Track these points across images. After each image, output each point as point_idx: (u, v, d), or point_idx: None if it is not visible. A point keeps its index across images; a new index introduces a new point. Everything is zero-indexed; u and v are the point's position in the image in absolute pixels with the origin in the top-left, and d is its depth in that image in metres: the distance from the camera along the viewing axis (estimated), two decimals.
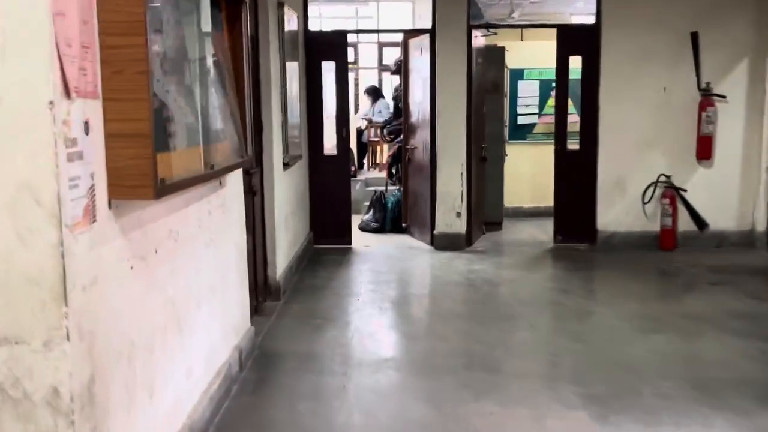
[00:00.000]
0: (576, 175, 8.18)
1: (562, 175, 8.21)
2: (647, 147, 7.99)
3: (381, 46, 15.23)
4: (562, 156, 8.20)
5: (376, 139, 12.50)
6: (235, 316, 4.40)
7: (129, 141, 2.38)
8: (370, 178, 11.41)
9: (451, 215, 8.12)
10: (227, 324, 4.18)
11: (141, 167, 2.37)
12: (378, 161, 12.61)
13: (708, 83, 7.78)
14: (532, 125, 10.39)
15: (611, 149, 8.01)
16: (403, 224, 9.15)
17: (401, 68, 9.34)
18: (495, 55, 9.15)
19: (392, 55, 15.23)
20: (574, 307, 5.73)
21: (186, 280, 3.35)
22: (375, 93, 13.01)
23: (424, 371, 4.42)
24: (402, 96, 9.09)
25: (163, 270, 3.02)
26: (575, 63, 8.15)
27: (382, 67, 15.22)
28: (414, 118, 8.80)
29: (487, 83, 9.00)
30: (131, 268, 2.67)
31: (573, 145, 8.32)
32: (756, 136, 7.85)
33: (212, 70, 3.45)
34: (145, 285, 2.84)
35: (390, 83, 14.48)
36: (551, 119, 10.09)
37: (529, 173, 10.39)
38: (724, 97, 7.78)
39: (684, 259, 7.43)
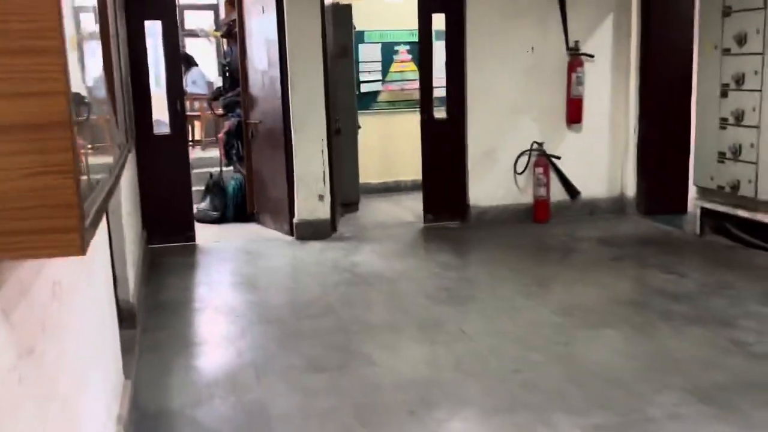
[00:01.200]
0: (444, 147, 7.46)
1: (429, 147, 7.44)
2: (518, 113, 7.44)
3: (182, 9, 13.57)
4: (428, 126, 7.43)
5: (193, 114, 10.99)
6: (111, 371, 3.10)
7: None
8: (197, 158, 9.94)
9: (313, 200, 7.06)
10: (108, 389, 2.88)
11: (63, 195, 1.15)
12: (197, 138, 11.13)
13: (576, 42, 7.35)
14: (377, 93, 9.53)
15: (480, 117, 7.37)
16: (250, 211, 7.94)
17: (233, 30, 8.04)
18: (342, 14, 8.12)
19: (198, 20, 13.63)
20: (496, 303, 4.98)
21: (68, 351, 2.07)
22: (187, 61, 11.43)
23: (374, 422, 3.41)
24: (238, 63, 7.80)
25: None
26: (438, 23, 7.37)
27: (187, 33, 13.56)
28: (256, 88, 7.58)
29: (337, 46, 7.97)
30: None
31: (440, 113, 7.57)
32: (622, 97, 7.58)
33: None
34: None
35: (201, 51, 12.94)
36: (397, 87, 9.33)
37: (377, 146, 9.55)
38: (591, 56, 7.40)
39: (566, 232, 7.00)
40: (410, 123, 9.25)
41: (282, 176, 7.23)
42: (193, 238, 7.01)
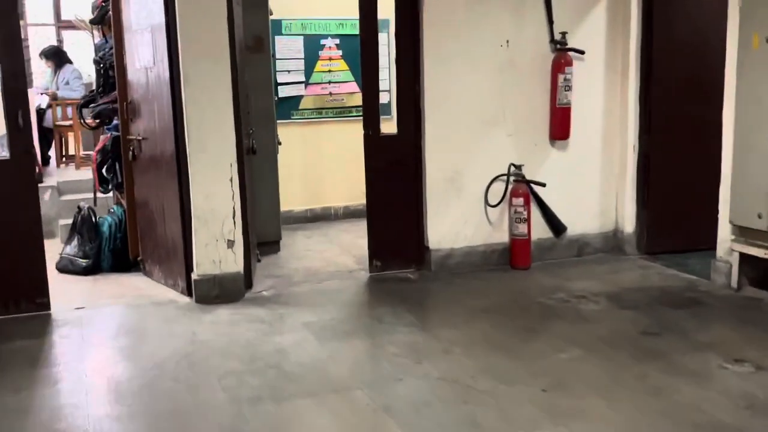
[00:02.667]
0: (395, 172, 5.64)
1: (375, 172, 5.60)
2: (490, 126, 5.69)
3: None
4: (374, 145, 5.58)
5: (66, 123, 8.77)
6: None
7: None
8: (66, 181, 7.75)
9: (218, 246, 5.11)
10: None
11: None
12: (71, 153, 8.92)
13: (563, 34, 5.66)
14: (298, 98, 7.61)
15: (442, 131, 5.58)
16: (134, 257, 5.90)
17: (107, 16, 5.98)
18: None
19: (75, 7, 11.27)
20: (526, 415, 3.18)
21: None
22: (58, 56, 9.23)
23: None
24: (114, 58, 5.74)
25: None
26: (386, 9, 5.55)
27: (62, 24, 11.25)
28: (138, 91, 5.56)
29: (250, 38, 6.03)
30: None
31: (389, 127, 5.76)
32: (618, 105, 5.95)
33: None
34: None
35: (79, 46, 10.67)
36: (323, 90, 7.46)
37: (300, 165, 7.65)
38: (582, 52, 5.73)
39: (557, 284, 5.30)
40: (340, 135, 7.46)
41: (174, 213, 5.24)
42: (46, 306, 4.92)
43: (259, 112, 6.10)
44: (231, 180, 5.11)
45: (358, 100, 7.43)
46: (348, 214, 7.85)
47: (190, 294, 5.16)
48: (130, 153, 5.68)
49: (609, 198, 6.04)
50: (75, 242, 5.97)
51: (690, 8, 5.73)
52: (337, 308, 4.92)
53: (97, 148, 6.16)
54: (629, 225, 6.00)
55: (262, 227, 6.24)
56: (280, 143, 6.48)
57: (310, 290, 5.33)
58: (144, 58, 5.36)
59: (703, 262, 5.63)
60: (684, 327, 4.37)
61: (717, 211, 5.15)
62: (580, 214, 5.97)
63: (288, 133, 7.38)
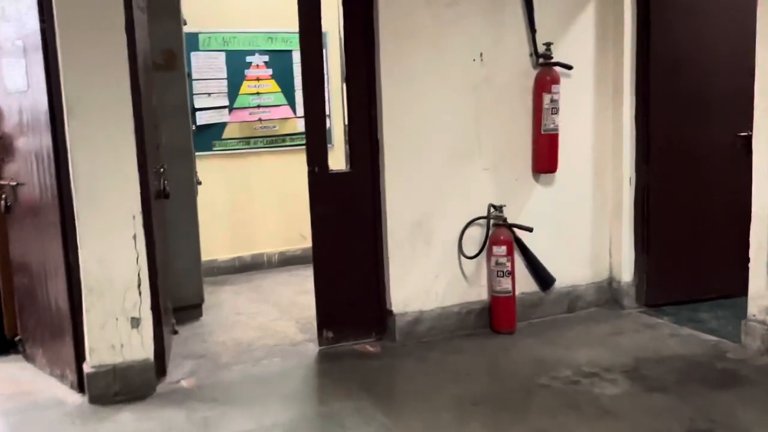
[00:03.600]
0: (348, 218, 4.49)
1: (324, 218, 4.44)
2: (462, 158, 4.63)
3: None
4: (320, 185, 4.42)
5: None
6: None
7: None
8: None
9: (120, 325, 3.84)
10: None
11: None
12: None
13: (548, 45, 4.65)
14: (221, 126, 6.39)
15: (405, 166, 4.48)
16: (11, 335, 4.56)
17: None
18: (165, 2, 4.93)
19: None
20: None
21: None
22: None
23: None
24: None
25: None
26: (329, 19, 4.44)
27: None
28: (10, 123, 4.25)
29: (159, 52, 4.81)
30: None
31: (338, 163, 4.63)
32: (608, 128, 4.98)
33: None
34: None
35: None
36: (249, 115, 6.29)
37: (225, 205, 6.42)
38: (569, 67, 4.73)
39: (554, 354, 4.25)
40: (273, 169, 6.32)
41: (59, 281, 3.95)
42: None
43: (172, 145, 4.87)
44: (134, 237, 3.86)
45: (292, 126, 6.33)
46: (284, 261, 6.65)
47: (82, 390, 3.87)
48: (2, 202, 4.36)
49: (602, 241, 5.05)
50: None
51: (694, 14, 4.82)
52: (281, 405, 3.71)
53: None
54: (626, 273, 5.01)
55: (180, 288, 5.00)
56: (199, 182, 5.24)
57: (243, 377, 4.10)
58: (15, 78, 4.08)
59: (719, 317, 4.73)
60: (739, 418, 3.36)
61: (731, 255, 4.23)
62: (569, 261, 4.96)
63: (210, 168, 6.16)
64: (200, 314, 5.21)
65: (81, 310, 3.83)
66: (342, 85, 6.56)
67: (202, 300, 5.20)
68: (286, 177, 6.45)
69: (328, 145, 5.61)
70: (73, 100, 3.68)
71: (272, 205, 6.55)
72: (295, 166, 6.21)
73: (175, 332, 4.83)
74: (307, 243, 5.99)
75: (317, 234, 4.44)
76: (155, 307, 3.98)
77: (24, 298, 4.41)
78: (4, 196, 4.35)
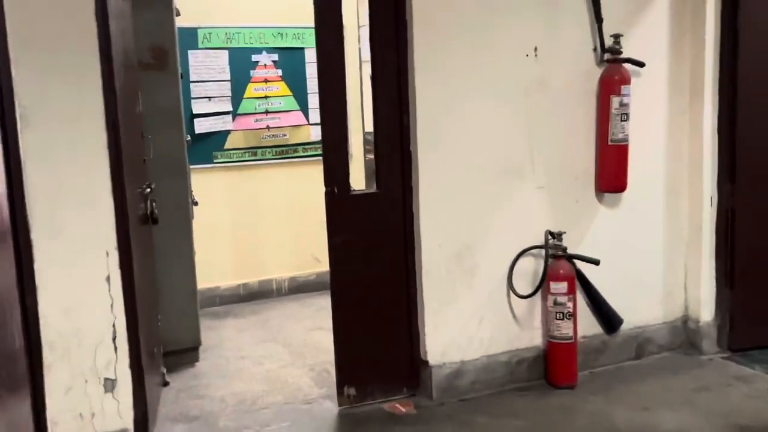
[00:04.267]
0: (374, 249, 3.67)
1: (344, 249, 3.62)
2: (512, 175, 3.80)
3: None
4: (339, 208, 3.60)
5: None
6: None
7: None
8: None
9: (90, 388, 3.06)
10: None
11: None
12: None
13: (617, 37, 3.82)
14: (224, 135, 5.59)
15: (443, 186, 3.66)
16: None
17: None
18: None
19: None
20: None
21: None
22: None
23: None
24: None
25: None
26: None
27: None
28: None
29: (143, 49, 4.02)
30: None
31: (361, 182, 3.82)
32: (685, 139, 4.15)
33: None
34: None
35: None
36: (255, 122, 5.49)
37: (227, 225, 5.63)
38: (641, 64, 3.90)
39: (637, 422, 3.42)
40: (282, 182, 5.53)
41: (13, 330, 3.14)
42: None
43: (162, 159, 4.08)
44: (108, 279, 3.07)
45: (305, 135, 5.55)
46: (296, 288, 5.85)
47: None
48: None
49: (676, 273, 4.21)
50: None
51: None
52: None
53: None
54: (706, 311, 4.17)
55: (172, 329, 4.20)
56: (195, 203, 4.43)
57: None
58: None
59: None
60: None
61: None
62: (637, 297, 4.12)
63: (211, 183, 5.39)
64: (196, 359, 4.40)
65: (40, 371, 3.03)
66: (360, 86, 5.85)
67: (198, 343, 4.39)
68: (298, 192, 5.65)
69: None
70: (27, 106, 2.89)
71: (282, 225, 5.75)
72: (307, 180, 5.45)
73: (166, 384, 4.03)
74: (322, 266, 5.21)
75: (336, 268, 3.63)
76: (136, 365, 3.18)
77: None
78: None
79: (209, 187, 5.35)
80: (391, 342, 3.72)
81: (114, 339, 3.10)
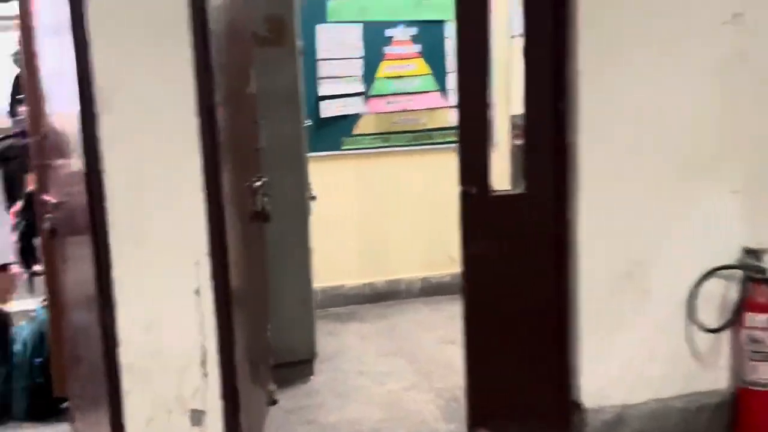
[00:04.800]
0: (518, 262, 2.98)
1: (482, 261, 2.96)
2: (699, 174, 2.99)
3: None
4: (478, 212, 2.95)
5: None
6: None
7: None
8: None
9: (174, 420, 2.59)
10: None
11: None
12: None
13: None
14: (352, 119, 5.06)
15: (610, 187, 2.90)
16: (58, 395, 3.47)
17: None
18: None
19: None
20: None
21: None
22: None
23: None
24: (23, 61, 3.32)
25: None
26: None
27: None
28: (55, 119, 3.11)
29: (259, 22, 3.53)
30: None
31: (500, 175, 3.18)
32: None
33: None
34: None
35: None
36: (387, 105, 4.90)
37: (354, 218, 5.10)
38: None
39: None
40: (417, 173, 4.91)
41: (94, 345, 2.74)
42: None
43: (276, 148, 3.57)
44: (197, 292, 2.58)
45: (443, 119, 4.92)
46: (427, 290, 5.26)
47: None
48: (48, 224, 3.24)
49: None
50: None
51: None
52: None
53: (14, 210, 3.73)
54: None
55: (284, 338, 3.73)
56: (313, 197, 3.91)
57: None
58: (52, 58, 2.91)
59: None
60: None
61: None
62: None
63: (337, 171, 4.89)
64: (311, 372, 3.91)
65: (119, 394, 2.60)
66: (505, 65, 5.12)
67: (313, 355, 3.89)
68: (434, 183, 5.04)
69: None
70: (105, 87, 2.44)
71: (414, 219, 5.17)
72: (445, 170, 4.76)
73: (274, 402, 3.55)
74: (456, 267, 4.60)
75: (471, 283, 3.00)
76: (229, 394, 2.69)
77: (71, 352, 3.28)
78: (49, 217, 3.23)
79: (336, 177, 4.86)
80: (535, 377, 3.04)
81: (203, 363, 2.62)
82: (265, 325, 3.51)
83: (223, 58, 2.77)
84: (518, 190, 3.05)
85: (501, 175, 3.54)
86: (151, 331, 2.56)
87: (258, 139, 3.36)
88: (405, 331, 4.59)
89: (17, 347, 3.56)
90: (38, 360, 3.52)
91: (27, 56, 3.23)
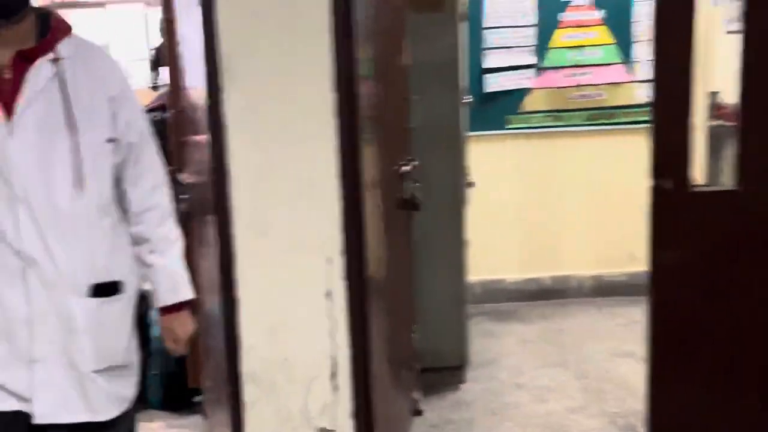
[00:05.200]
0: (727, 277, 2.37)
1: (674, 272, 2.38)
2: None
3: None
4: (674, 211, 2.36)
5: None
6: None
7: None
8: None
9: None
10: None
11: None
12: None
13: None
14: (520, 94, 4.53)
15: None
16: (193, 386, 3.28)
17: None
18: None
19: None
20: None
21: None
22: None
23: None
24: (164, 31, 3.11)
25: None
26: None
27: None
28: (191, 93, 2.87)
29: None
30: None
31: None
32: None
33: None
34: None
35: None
36: (563, 78, 4.32)
37: (518, 205, 4.59)
38: None
39: None
40: (594, 157, 4.34)
41: (219, 347, 2.46)
42: None
43: (431, 127, 3.16)
44: (329, 295, 2.22)
45: (627, 95, 4.31)
46: (600, 290, 4.68)
47: None
48: (184, 210, 3.02)
49: None
50: None
51: None
52: None
53: None
54: None
55: (432, 341, 3.33)
56: (471, 183, 3.45)
57: None
58: (187, 26, 2.66)
59: None
60: None
61: None
62: None
63: (500, 153, 4.43)
64: (461, 379, 3.48)
65: (240, 399, 2.31)
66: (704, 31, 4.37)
67: (464, 361, 3.46)
68: (613, 169, 4.44)
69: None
70: (230, 55, 2.11)
71: (588, 208, 4.58)
72: (628, 154, 4.21)
73: (418, 412, 3.17)
74: (637, 265, 3.99)
75: (661, 293, 2.44)
76: (362, 412, 2.32)
77: (204, 343, 3.06)
78: (181, 195, 3.01)
79: (498, 158, 4.40)
80: (745, 409, 2.43)
81: (333, 376, 2.26)
82: (411, 327, 3.12)
83: (370, 23, 2.38)
84: (728, 187, 2.43)
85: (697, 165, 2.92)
86: (275, 336, 2.24)
87: (409, 118, 2.95)
88: (572, 337, 4.04)
89: (155, 333, 3.40)
90: None
91: (167, 24, 3.01)
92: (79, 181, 1.72)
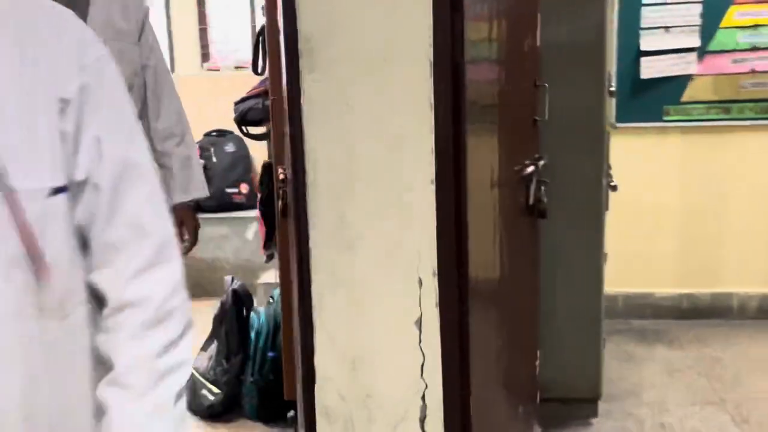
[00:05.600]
0: None
1: None
2: None
3: None
4: None
5: None
6: None
7: None
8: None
9: None
10: None
11: None
12: None
13: None
14: (681, 82, 3.92)
15: None
16: (288, 397, 3.01)
17: None
18: None
19: None
20: None
21: None
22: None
23: None
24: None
25: None
26: None
27: None
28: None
29: None
30: None
31: None
32: None
33: None
34: None
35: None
36: (732, 64, 3.68)
37: (672, 210, 4.01)
38: None
39: None
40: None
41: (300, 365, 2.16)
42: None
43: (566, 120, 2.70)
44: (419, 323, 1.85)
45: None
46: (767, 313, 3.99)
47: None
48: (281, 201, 2.77)
49: None
50: (212, 350, 3.27)
51: None
52: None
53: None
54: None
55: (558, 369, 2.86)
56: (613, 187, 2.94)
57: None
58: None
59: None
60: None
61: None
62: None
63: (656, 149, 3.89)
64: (593, 413, 3.01)
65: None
66: None
67: (598, 394, 2.97)
68: None
69: None
70: (311, 38, 1.77)
71: (760, 218, 3.92)
72: None
73: None
74: None
75: None
76: None
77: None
78: (281, 189, 2.75)
79: (651, 156, 3.85)
80: None
81: (423, 420, 1.90)
82: (534, 355, 2.69)
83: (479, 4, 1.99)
84: None
85: None
86: (356, 368, 1.90)
87: (538, 109, 2.51)
88: (732, 369, 3.44)
89: (260, 333, 3.18)
90: (272, 354, 3.10)
91: (268, 3, 2.73)
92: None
